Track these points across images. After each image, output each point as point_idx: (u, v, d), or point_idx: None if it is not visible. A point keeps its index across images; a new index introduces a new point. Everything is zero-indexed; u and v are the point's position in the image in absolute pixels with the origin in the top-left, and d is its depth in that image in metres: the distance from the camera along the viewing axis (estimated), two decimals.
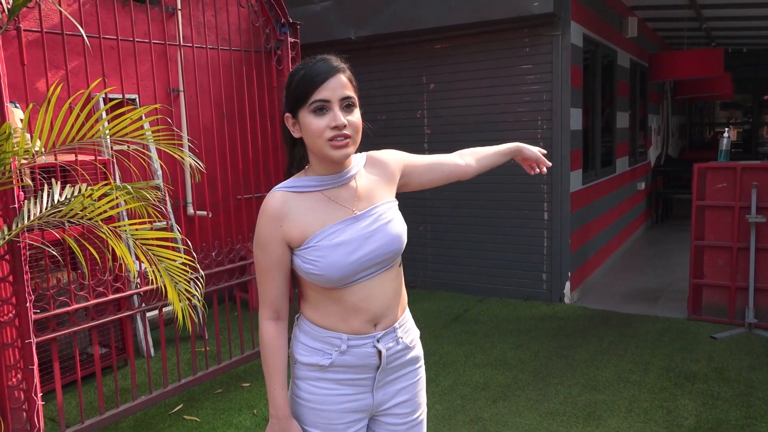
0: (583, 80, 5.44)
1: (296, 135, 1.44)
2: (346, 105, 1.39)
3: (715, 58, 7.39)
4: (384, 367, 1.50)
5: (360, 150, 1.52)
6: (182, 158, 2.82)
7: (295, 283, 1.55)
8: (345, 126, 1.37)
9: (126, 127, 2.58)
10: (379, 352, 1.48)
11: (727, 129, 5.27)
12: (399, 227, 1.50)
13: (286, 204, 1.43)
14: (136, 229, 2.66)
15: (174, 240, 3.90)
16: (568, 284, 5.23)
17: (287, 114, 1.44)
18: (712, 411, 3.25)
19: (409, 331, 1.58)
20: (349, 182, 1.48)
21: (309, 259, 1.41)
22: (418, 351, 1.62)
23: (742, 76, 11.70)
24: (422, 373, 1.64)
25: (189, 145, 3.09)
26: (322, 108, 1.37)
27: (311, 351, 1.48)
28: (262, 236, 1.44)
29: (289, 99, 1.42)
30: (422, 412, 1.64)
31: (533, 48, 5.11)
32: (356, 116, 1.41)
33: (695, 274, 4.72)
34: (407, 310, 1.61)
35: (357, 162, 1.52)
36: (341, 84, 1.38)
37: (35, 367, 2.83)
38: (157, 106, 2.93)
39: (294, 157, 1.51)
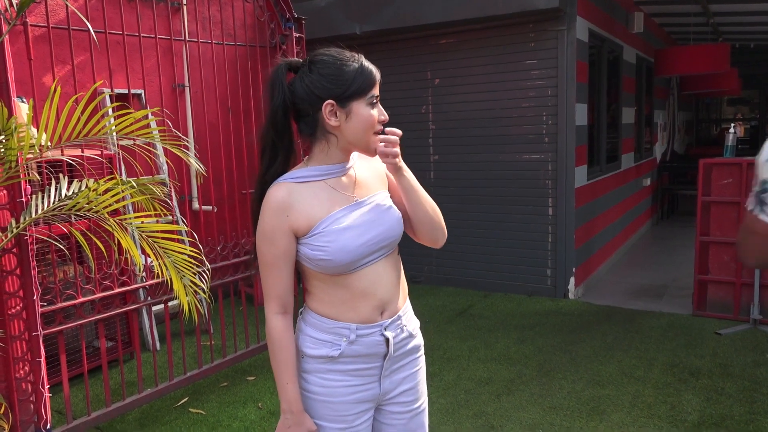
0: (588, 76, 5.43)
1: (334, 123, 1.44)
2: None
3: (721, 54, 7.35)
4: (391, 355, 1.53)
5: None
6: (187, 159, 2.83)
7: (298, 279, 1.57)
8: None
9: (131, 125, 2.60)
10: (387, 340, 1.51)
11: (733, 125, 5.25)
12: (398, 213, 1.55)
13: (291, 194, 1.45)
14: (142, 222, 2.68)
15: (180, 233, 3.92)
16: (572, 280, 5.23)
17: (330, 101, 1.43)
18: (716, 406, 3.25)
19: (410, 319, 1.62)
20: (348, 172, 1.53)
21: (317, 245, 1.43)
22: (420, 340, 1.66)
23: (750, 72, 11.62)
24: (423, 362, 1.68)
25: (194, 144, 3.11)
26: (375, 103, 1.47)
27: (319, 343, 1.50)
28: (268, 228, 1.45)
29: (339, 87, 1.42)
30: (424, 401, 1.68)
31: (539, 43, 5.10)
32: None
33: (700, 270, 4.71)
34: (408, 299, 1.64)
35: (352, 155, 1.56)
36: None
37: (42, 360, 2.86)
38: (162, 109, 2.94)
39: (291, 148, 1.51)
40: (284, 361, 1.48)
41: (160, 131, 2.86)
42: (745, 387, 3.46)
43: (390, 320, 1.52)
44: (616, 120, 6.65)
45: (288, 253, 1.46)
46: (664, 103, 9.54)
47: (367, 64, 1.48)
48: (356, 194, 1.51)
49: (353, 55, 1.49)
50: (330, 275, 1.46)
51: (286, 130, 1.48)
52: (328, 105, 1.43)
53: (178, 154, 2.81)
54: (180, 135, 3.26)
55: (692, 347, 4.07)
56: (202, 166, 2.96)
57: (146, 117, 2.66)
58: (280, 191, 1.45)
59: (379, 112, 1.48)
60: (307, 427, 1.49)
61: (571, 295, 5.24)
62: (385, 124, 1.51)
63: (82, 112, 2.46)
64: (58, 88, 2.37)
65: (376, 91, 1.47)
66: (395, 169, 1.49)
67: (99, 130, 2.54)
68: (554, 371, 3.76)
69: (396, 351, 1.55)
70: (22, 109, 3.18)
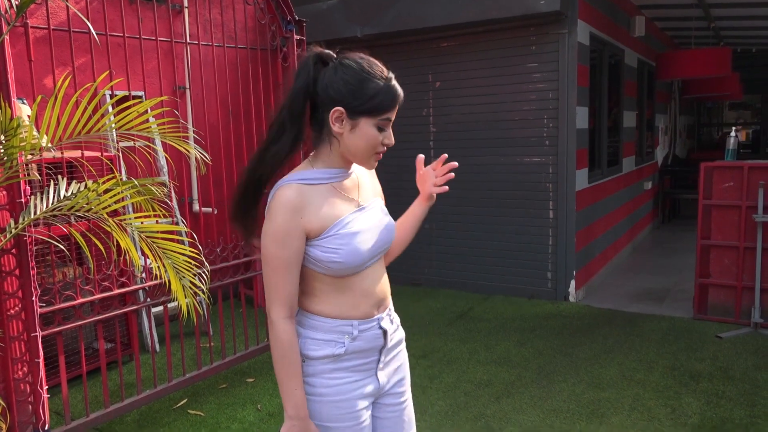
0: (589, 79, 5.43)
1: (337, 129, 1.43)
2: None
3: (723, 58, 7.34)
4: (387, 346, 1.59)
5: None
6: (187, 150, 2.83)
7: None
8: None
9: (132, 120, 2.60)
10: (384, 332, 1.57)
11: (734, 129, 5.23)
12: (392, 221, 1.64)
13: (303, 196, 1.43)
14: (142, 223, 2.68)
15: (179, 234, 3.92)
16: (573, 283, 5.22)
17: (340, 108, 1.41)
18: (717, 410, 3.24)
19: (394, 312, 1.70)
20: (351, 176, 1.57)
21: (330, 247, 1.44)
22: (403, 331, 1.73)
23: (751, 76, 11.61)
24: (406, 354, 1.74)
25: (195, 137, 3.11)
26: (385, 126, 1.46)
27: (323, 344, 1.51)
28: (281, 230, 1.41)
29: (354, 99, 1.41)
30: (410, 393, 1.74)
31: (540, 46, 5.10)
32: None
33: (701, 274, 4.70)
34: None
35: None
36: None
37: (41, 361, 2.86)
38: (163, 98, 2.95)
39: (301, 134, 1.46)
40: (296, 365, 1.47)
41: (159, 124, 2.85)
42: (745, 390, 3.44)
43: (384, 313, 1.59)
44: (617, 123, 6.65)
45: (299, 255, 1.44)
46: (665, 107, 9.54)
47: (393, 85, 1.45)
48: (360, 199, 1.55)
49: (383, 71, 1.45)
50: (336, 277, 1.48)
51: (300, 115, 1.44)
52: (336, 111, 1.42)
53: (179, 145, 2.81)
54: (182, 121, 3.26)
55: (693, 351, 4.05)
56: (204, 153, 2.96)
57: (147, 111, 2.66)
58: (290, 192, 1.41)
59: (384, 136, 1.46)
60: None
61: (571, 298, 5.23)
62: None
63: (84, 110, 2.46)
64: (65, 83, 2.38)
65: (390, 115, 1.45)
66: (430, 198, 1.67)
67: (100, 128, 2.54)
68: (554, 374, 3.75)
69: (390, 342, 1.60)
70: (23, 111, 3.19)
